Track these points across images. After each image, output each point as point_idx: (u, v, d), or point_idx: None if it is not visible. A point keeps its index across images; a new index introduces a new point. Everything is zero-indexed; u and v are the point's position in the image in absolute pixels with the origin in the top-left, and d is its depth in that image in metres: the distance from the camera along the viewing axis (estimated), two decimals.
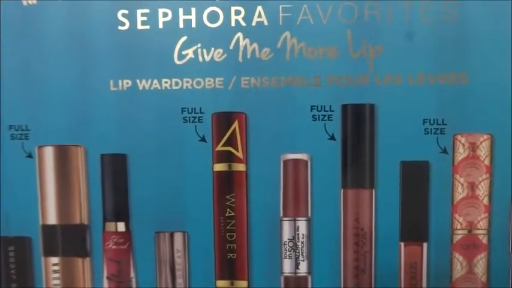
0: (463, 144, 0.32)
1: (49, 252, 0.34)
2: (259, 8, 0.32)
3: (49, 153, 0.34)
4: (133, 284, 0.34)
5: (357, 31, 0.32)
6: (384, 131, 0.32)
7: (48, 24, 0.33)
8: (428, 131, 0.32)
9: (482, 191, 0.32)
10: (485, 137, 0.32)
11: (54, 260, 0.34)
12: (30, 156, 0.34)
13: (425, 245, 0.32)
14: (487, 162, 0.32)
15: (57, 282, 0.34)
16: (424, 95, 0.32)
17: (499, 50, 0.31)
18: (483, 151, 0.32)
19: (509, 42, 0.31)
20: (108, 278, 0.34)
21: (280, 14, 0.32)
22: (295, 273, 0.33)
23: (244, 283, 0.34)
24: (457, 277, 0.33)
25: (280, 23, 0.32)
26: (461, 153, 0.32)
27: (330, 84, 0.32)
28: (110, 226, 0.34)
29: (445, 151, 0.32)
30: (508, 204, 0.32)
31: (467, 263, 0.32)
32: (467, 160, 0.32)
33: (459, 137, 0.32)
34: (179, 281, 0.34)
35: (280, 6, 0.32)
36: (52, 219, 0.34)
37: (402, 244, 0.33)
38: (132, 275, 0.34)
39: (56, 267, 0.34)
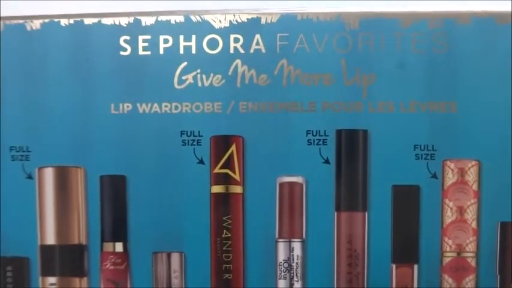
0: (452, 170, 0.33)
1: (47, 272, 0.35)
2: (257, 36, 0.33)
3: (49, 174, 0.34)
4: None
5: (351, 60, 0.33)
6: (376, 156, 0.33)
7: (51, 48, 0.34)
8: (419, 156, 0.33)
9: (471, 215, 0.33)
10: (473, 163, 0.33)
11: (52, 280, 0.35)
12: (30, 177, 0.34)
13: (416, 266, 0.33)
14: (475, 187, 0.33)
15: None
16: (415, 122, 0.33)
17: (486, 81, 0.33)
18: (471, 176, 0.33)
19: (496, 74, 0.33)
20: None
21: (278, 42, 0.33)
22: None
23: None
24: None
25: (278, 51, 0.33)
26: (450, 178, 0.33)
27: (324, 110, 0.33)
28: (108, 246, 0.34)
29: (435, 176, 0.33)
30: (494, 228, 0.33)
31: (457, 286, 0.33)
32: (456, 185, 0.33)
33: (448, 162, 0.33)
34: None
35: (278, 35, 0.33)
36: (51, 239, 0.34)
37: (394, 265, 0.34)
38: None
39: (53, 287, 0.35)
